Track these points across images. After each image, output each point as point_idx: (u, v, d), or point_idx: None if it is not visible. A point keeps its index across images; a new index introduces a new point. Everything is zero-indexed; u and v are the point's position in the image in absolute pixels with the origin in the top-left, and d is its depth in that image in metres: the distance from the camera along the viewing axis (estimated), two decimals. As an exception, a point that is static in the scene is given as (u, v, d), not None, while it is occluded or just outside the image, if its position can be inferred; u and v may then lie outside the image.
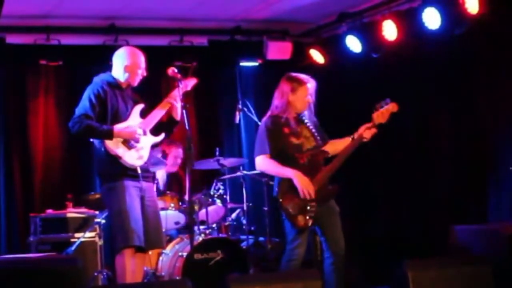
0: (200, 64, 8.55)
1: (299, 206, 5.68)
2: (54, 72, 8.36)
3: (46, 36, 7.94)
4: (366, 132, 5.70)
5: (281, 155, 5.77)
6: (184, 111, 5.67)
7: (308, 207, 5.67)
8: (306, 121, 5.92)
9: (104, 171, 5.68)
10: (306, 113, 5.95)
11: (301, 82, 5.88)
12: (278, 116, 5.87)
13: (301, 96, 5.86)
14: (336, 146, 5.84)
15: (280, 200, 5.72)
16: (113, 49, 6.03)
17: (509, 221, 6.12)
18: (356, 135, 5.76)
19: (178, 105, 5.86)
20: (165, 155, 7.75)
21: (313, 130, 5.90)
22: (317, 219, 5.70)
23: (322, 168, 5.77)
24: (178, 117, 5.90)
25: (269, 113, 5.96)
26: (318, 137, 5.88)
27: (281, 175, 5.77)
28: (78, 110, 5.63)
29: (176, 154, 7.97)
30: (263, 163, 5.81)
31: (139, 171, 5.67)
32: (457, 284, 4.91)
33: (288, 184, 5.69)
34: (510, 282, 5.31)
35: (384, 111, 5.68)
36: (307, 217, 5.67)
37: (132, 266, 5.58)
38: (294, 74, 5.95)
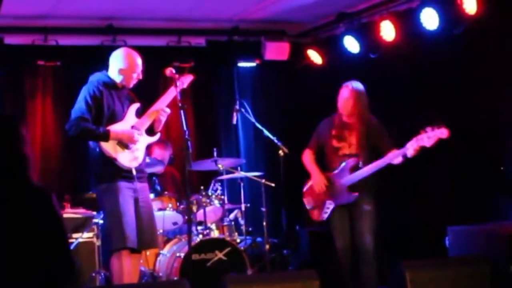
0: (198, 65, 8.57)
1: (317, 202, 6.36)
2: (52, 72, 8.35)
3: (44, 37, 7.93)
4: (410, 154, 5.93)
5: (322, 152, 6.42)
6: (181, 112, 5.65)
7: (326, 205, 6.30)
8: (361, 128, 6.25)
9: (98, 172, 5.68)
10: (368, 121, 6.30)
11: (341, 86, 6.35)
12: (336, 116, 6.38)
13: (339, 99, 6.32)
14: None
15: (303, 193, 6.49)
16: (111, 49, 6.03)
17: (506, 221, 6.11)
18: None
19: (163, 118, 5.86)
20: (150, 152, 7.74)
21: (361, 139, 6.22)
22: (350, 218, 6.26)
23: (347, 174, 6.18)
24: (158, 129, 5.94)
25: None
26: (362, 146, 6.20)
27: (308, 170, 6.44)
28: (74, 113, 5.61)
29: (158, 155, 7.89)
30: (303, 155, 6.53)
31: (134, 172, 5.67)
32: (455, 285, 4.91)
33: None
34: (508, 283, 5.31)
35: (431, 135, 5.81)
36: (322, 214, 6.34)
37: (128, 267, 5.58)
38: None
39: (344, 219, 6.26)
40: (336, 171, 6.28)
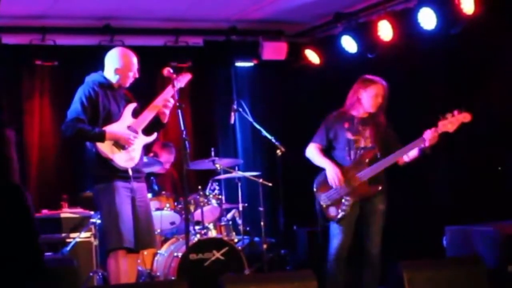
0: (196, 65, 8.57)
1: (334, 198, 5.98)
2: (49, 72, 8.35)
3: (41, 37, 7.93)
4: (428, 138, 5.74)
5: (332, 145, 6.10)
6: (179, 111, 5.64)
7: (343, 201, 5.95)
8: (375, 124, 6.08)
9: (95, 172, 5.67)
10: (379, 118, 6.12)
11: (371, 82, 6.09)
12: (345, 111, 6.16)
13: (370, 95, 6.05)
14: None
15: (315, 190, 6.07)
16: (108, 49, 6.02)
17: (505, 221, 6.12)
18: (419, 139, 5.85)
19: (167, 110, 5.83)
20: (156, 155, 7.75)
21: (376, 133, 6.06)
22: (360, 215, 6.01)
23: (365, 167, 5.95)
24: (165, 121, 5.89)
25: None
26: (377, 140, 6.03)
27: (319, 164, 6.11)
28: (70, 114, 5.62)
29: (166, 159, 7.92)
30: (310, 150, 6.18)
31: (130, 172, 5.66)
32: (452, 285, 4.92)
33: (325, 176, 6.02)
34: (506, 283, 5.32)
35: (454, 120, 5.70)
36: (339, 210, 5.95)
37: (124, 266, 5.56)
38: (367, 75, 6.16)
39: (351, 218, 6.01)
40: (351, 164, 5.99)
